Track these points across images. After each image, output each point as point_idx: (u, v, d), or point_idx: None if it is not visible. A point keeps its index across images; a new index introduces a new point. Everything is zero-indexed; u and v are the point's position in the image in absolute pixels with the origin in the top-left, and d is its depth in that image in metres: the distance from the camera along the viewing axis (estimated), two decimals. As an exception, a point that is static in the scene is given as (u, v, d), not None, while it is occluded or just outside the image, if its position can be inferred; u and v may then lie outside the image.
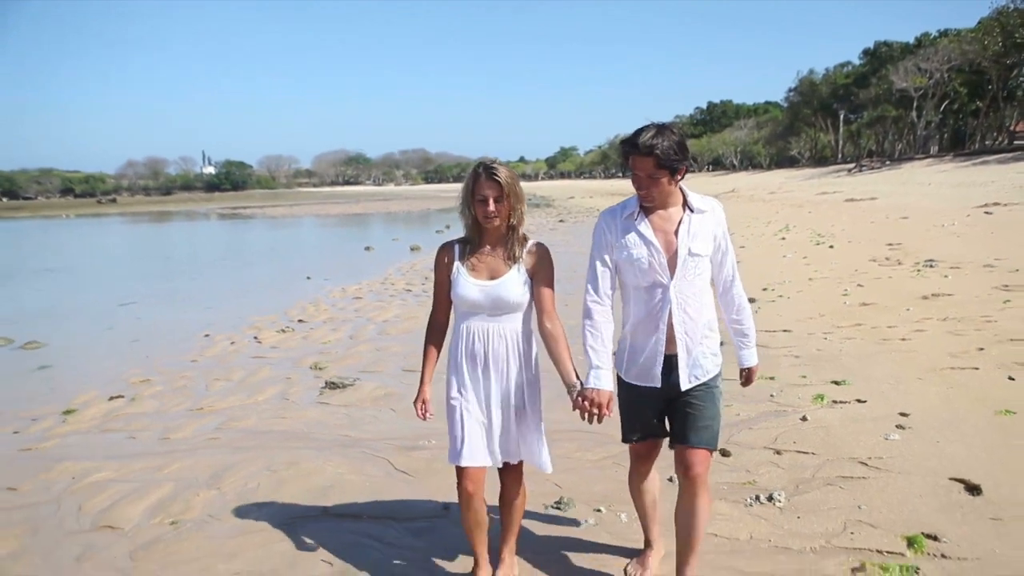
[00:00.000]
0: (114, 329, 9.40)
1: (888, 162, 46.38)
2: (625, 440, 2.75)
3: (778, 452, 4.04)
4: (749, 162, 79.82)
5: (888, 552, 2.94)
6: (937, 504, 3.32)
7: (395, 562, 3.17)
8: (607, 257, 2.57)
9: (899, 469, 3.71)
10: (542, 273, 2.69)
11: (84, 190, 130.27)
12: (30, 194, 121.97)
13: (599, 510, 3.51)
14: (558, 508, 3.56)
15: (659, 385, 2.56)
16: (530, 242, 2.71)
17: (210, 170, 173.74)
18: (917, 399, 4.75)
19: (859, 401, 4.79)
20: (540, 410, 2.76)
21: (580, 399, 2.51)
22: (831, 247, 13.34)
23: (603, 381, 2.49)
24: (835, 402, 4.83)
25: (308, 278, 13.64)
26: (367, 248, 19.71)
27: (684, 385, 2.53)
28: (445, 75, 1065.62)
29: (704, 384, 2.57)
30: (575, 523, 3.43)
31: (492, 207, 2.55)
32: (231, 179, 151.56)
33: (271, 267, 16.80)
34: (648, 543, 2.95)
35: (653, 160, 2.33)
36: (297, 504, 3.82)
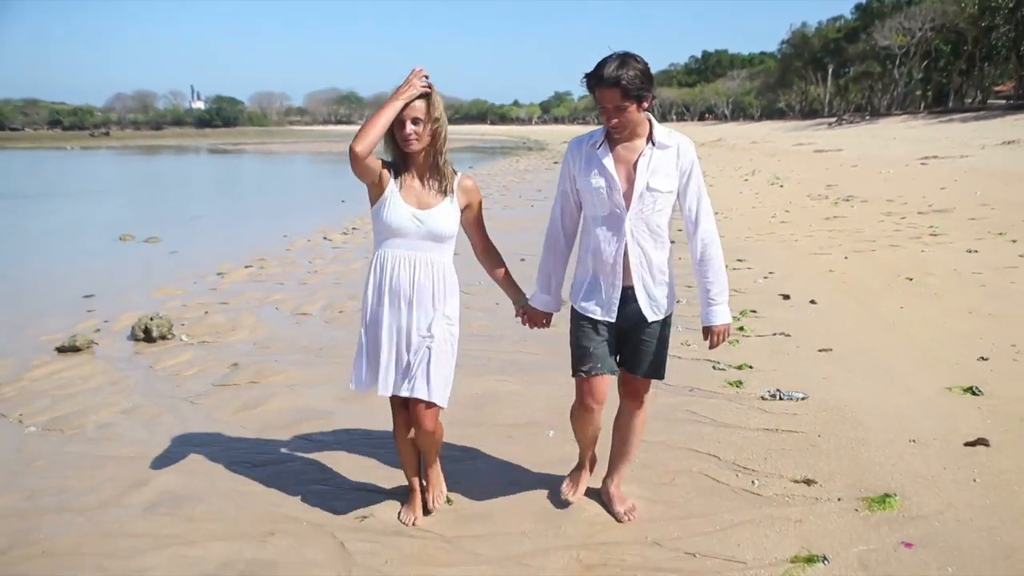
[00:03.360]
0: (205, 232, 12.00)
1: (868, 117, 48.79)
2: (575, 373, 2.68)
3: (688, 286, 6.81)
4: (741, 112, 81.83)
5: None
6: (766, 302, 6.14)
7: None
8: (568, 187, 2.63)
9: (754, 292, 6.53)
10: (476, 206, 2.74)
11: (72, 123, 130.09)
12: (16, 125, 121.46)
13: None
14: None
15: (614, 320, 2.59)
16: (459, 175, 2.68)
17: (199, 105, 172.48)
18: (783, 267, 7.55)
19: (748, 268, 7.57)
20: (454, 346, 2.69)
21: (522, 311, 2.85)
22: (781, 187, 16.03)
23: (541, 305, 2.79)
24: (733, 269, 7.59)
25: (343, 201, 16.15)
26: (383, 181, 22.19)
27: (646, 317, 2.58)
28: (440, 15, 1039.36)
29: (659, 321, 2.62)
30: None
31: (409, 128, 2.47)
32: (222, 115, 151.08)
33: (302, 193, 19.36)
34: (581, 465, 3.04)
35: (620, 91, 2.28)
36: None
